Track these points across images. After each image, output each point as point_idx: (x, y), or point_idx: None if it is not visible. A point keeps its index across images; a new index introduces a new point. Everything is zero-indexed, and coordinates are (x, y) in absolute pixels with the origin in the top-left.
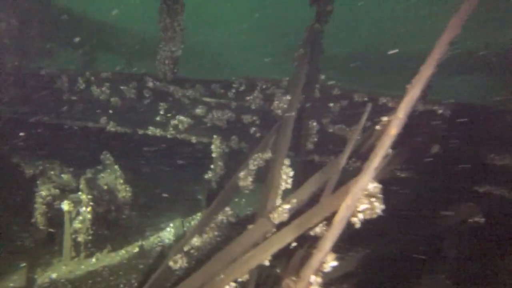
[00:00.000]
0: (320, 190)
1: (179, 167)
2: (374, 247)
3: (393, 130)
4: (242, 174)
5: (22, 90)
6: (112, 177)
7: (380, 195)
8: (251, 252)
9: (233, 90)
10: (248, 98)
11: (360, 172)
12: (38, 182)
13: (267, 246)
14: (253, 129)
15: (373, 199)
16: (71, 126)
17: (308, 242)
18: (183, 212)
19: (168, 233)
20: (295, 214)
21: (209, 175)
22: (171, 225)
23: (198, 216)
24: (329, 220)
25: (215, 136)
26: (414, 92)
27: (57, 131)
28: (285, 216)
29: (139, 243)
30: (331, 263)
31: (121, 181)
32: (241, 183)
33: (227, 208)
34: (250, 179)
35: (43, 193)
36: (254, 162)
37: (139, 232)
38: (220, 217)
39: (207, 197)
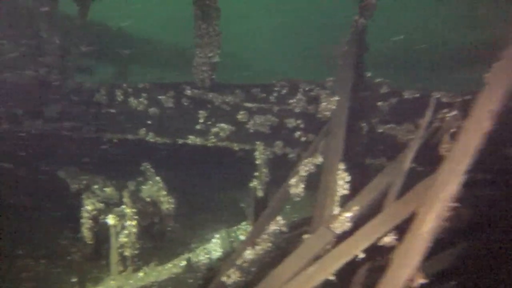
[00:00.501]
0: (382, 196)
1: (220, 176)
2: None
3: (485, 124)
4: (293, 181)
5: (64, 106)
6: (154, 189)
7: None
8: (314, 266)
9: (275, 94)
10: (291, 101)
11: (441, 175)
12: (83, 196)
13: (332, 259)
14: (298, 133)
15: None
16: (111, 139)
17: (376, 254)
18: (227, 221)
19: (214, 245)
20: (357, 223)
21: (254, 182)
22: (217, 236)
23: (243, 225)
24: (399, 228)
25: (258, 142)
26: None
27: (97, 144)
28: (347, 225)
29: (186, 255)
30: (419, 280)
31: (164, 192)
32: (293, 190)
33: (279, 218)
34: (301, 186)
35: (89, 207)
36: (305, 168)
37: (184, 244)
38: (272, 227)
39: (254, 206)
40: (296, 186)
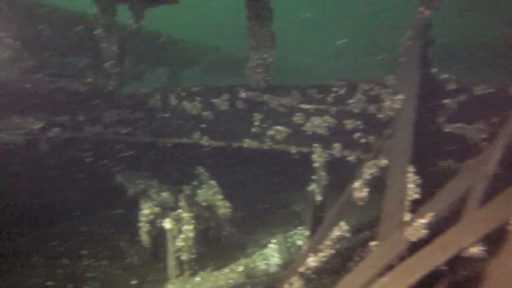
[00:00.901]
0: (460, 202)
1: (276, 179)
2: None
3: None
4: (356, 184)
5: (120, 112)
6: (210, 193)
7: None
8: (387, 276)
9: (332, 94)
10: (349, 101)
11: None
12: (140, 201)
13: (409, 270)
14: (357, 134)
15: None
16: (166, 143)
17: (459, 266)
18: (283, 226)
19: (271, 250)
20: (433, 231)
21: (311, 186)
22: (273, 241)
23: (300, 230)
24: (488, 238)
25: (315, 145)
26: None
27: (153, 149)
28: (423, 233)
29: (243, 261)
30: None
31: (220, 196)
32: (356, 195)
33: (342, 223)
34: (365, 189)
35: (146, 211)
36: (369, 171)
37: (241, 249)
38: (336, 233)
39: (312, 210)
40: (360, 190)
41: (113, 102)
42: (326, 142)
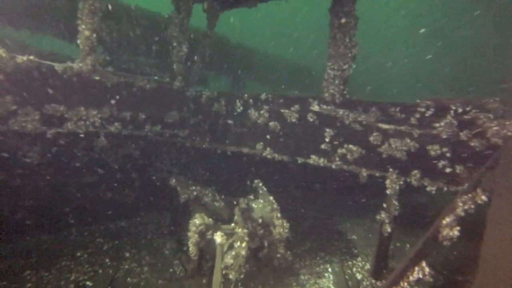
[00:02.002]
0: None
1: (337, 202)
2: None
3: None
4: (447, 221)
5: (182, 114)
6: (267, 210)
7: None
8: None
9: (417, 115)
10: (437, 124)
11: None
12: (191, 208)
13: None
14: (442, 163)
15: None
16: (225, 151)
17: None
18: (339, 254)
19: (327, 280)
20: None
21: (381, 215)
22: (330, 269)
23: (359, 261)
24: None
25: (391, 170)
26: None
27: (211, 155)
28: None
29: None
30: None
31: (278, 214)
32: (445, 232)
33: (424, 264)
34: (457, 228)
35: (197, 221)
36: (464, 207)
37: (293, 274)
38: (416, 275)
39: (378, 243)
40: (450, 228)
41: (176, 102)
42: (403, 168)
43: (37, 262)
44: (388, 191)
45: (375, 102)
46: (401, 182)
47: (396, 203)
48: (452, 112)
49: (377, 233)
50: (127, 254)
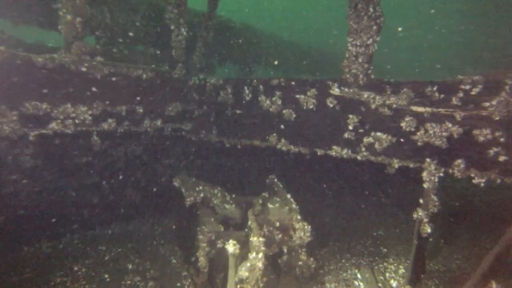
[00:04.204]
0: None
1: (366, 199)
2: None
3: None
4: None
5: (185, 105)
6: (285, 210)
7: None
8: None
9: (461, 94)
10: (488, 104)
11: None
12: (199, 212)
13: None
14: (494, 150)
15: None
16: (235, 144)
17: None
18: (367, 255)
19: None
20: None
21: (418, 213)
22: (359, 275)
23: (391, 263)
24: None
25: (428, 160)
26: None
27: (217, 150)
28: None
29: None
30: None
31: (298, 216)
32: None
33: (493, 284)
34: None
35: (205, 228)
36: None
37: (318, 282)
38: None
39: (416, 243)
40: None
41: (177, 93)
42: (443, 157)
43: (31, 279)
44: (425, 185)
45: (407, 81)
46: (441, 174)
47: (436, 199)
48: (508, 88)
49: (414, 234)
50: (130, 266)
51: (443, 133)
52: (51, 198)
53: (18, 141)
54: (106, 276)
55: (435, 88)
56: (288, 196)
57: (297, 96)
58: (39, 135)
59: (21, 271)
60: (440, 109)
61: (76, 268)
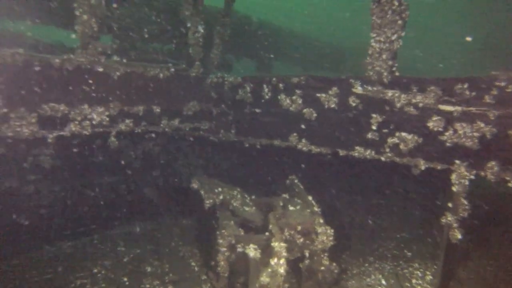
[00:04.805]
0: None
1: (390, 201)
2: None
3: None
4: None
5: (202, 104)
6: (307, 213)
7: None
8: None
9: (494, 91)
10: None
11: None
12: (218, 214)
13: None
14: None
15: None
16: (254, 144)
17: None
18: (390, 259)
19: None
20: None
21: (447, 217)
22: (383, 282)
23: (417, 267)
24: None
25: (457, 162)
26: None
27: (237, 150)
28: None
29: None
30: None
31: (320, 220)
32: None
33: None
34: None
35: (225, 232)
36: None
37: (338, 287)
38: None
39: (444, 251)
40: None
41: (195, 92)
42: (474, 159)
43: (52, 280)
44: (454, 188)
45: (435, 78)
46: (472, 177)
47: (466, 202)
48: None
49: (443, 239)
50: (149, 269)
51: (475, 134)
52: (71, 198)
53: (38, 143)
54: (125, 279)
55: (466, 86)
56: (309, 198)
57: (318, 94)
58: (57, 137)
59: (43, 272)
60: (471, 108)
61: (95, 270)
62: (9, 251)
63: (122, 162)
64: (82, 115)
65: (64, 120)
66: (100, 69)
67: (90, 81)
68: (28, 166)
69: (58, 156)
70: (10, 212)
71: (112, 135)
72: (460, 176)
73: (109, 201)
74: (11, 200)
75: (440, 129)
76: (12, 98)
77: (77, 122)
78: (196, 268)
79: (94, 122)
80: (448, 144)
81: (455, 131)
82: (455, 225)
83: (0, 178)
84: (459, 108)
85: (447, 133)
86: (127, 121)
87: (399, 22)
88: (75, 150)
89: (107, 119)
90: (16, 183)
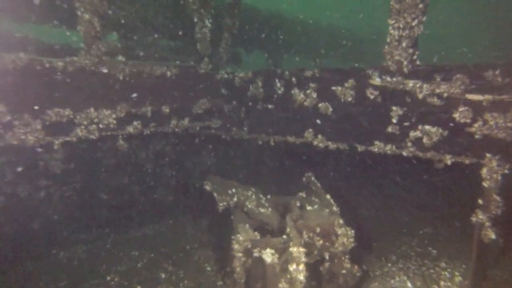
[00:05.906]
0: None
1: (414, 198)
2: None
3: None
4: None
5: (213, 101)
6: (325, 213)
7: None
8: None
9: None
10: None
11: None
12: (232, 217)
13: None
14: None
15: None
16: (267, 141)
17: None
18: (415, 256)
19: None
20: None
21: (478, 215)
22: (410, 285)
23: (444, 267)
24: None
25: (488, 156)
26: None
27: (250, 148)
28: None
29: None
30: None
31: (340, 220)
32: None
33: None
34: None
35: (241, 237)
36: None
37: None
38: None
39: (477, 253)
40: None
41: (205, 89)
42: (506, 152)
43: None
44: (485, 183)
45: (461, 65)
46: (506, 171)
47: (498, 199)
48: None
49: (475, 239)
50: (163, 275)
51: (508, 124)
52: (83, 202)
53: (45, 149)
54: (139, 287)
55: (497, 72)
56: (328, 197)
57: (334, 88)
58: (64, 143)
59: (57, 278)
60: (503, 96)
61: (109, 278)
62: (24, 257)
63: (133, 164)
64: (88, 119)
65: (71, 124)
66: (105, 70)
67: (95, 83)
68: (39, 171)
69: (67, 160)
70: (23, 217)
71: (119, 137)
72: (492, 170)
73: (122, 204)
74: (24, 206)
75: (468, 120)
76: (16, 104)
77: (83, 127)
78: (211, 273)
79: (100, 126)
80: (477, 137)
81: (485, 122)
82: (487, 224)
83: (12, 184)
84: (489, 97)
85: (476, 125)
86: (135, 123)
87: (420, 5)
88: (83, 153)
89: (114, 122)
90: (28, 188)
